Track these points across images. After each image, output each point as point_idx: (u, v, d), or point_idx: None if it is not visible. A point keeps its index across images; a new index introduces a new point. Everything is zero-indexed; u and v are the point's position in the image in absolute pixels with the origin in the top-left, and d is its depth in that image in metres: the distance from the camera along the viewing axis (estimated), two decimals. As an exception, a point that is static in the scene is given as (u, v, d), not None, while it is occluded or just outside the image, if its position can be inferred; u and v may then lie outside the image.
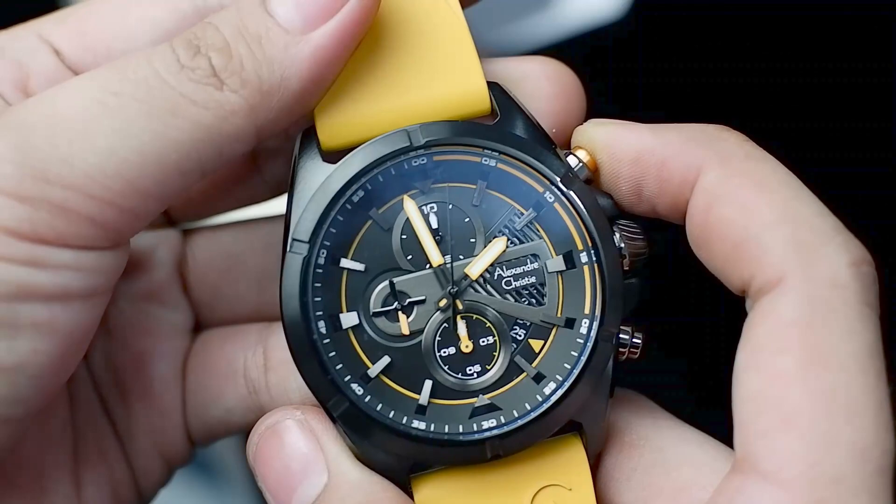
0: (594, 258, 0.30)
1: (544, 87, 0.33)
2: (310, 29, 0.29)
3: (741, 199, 0.28)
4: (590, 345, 0.29)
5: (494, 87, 0.31)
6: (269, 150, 0.36)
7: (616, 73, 0.70)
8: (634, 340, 0.30)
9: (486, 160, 0.30)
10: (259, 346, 0.36)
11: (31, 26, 0.33)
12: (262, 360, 0.36)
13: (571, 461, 0.30)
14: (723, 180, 0.28)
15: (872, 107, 0.65)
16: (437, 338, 0.31)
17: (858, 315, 0.26)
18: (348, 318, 0.31)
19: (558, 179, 0.30)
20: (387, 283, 0.30)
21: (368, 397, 0.30)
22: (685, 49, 0.69)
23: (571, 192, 0.30)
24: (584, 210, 0.29)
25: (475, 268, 0.30)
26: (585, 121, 0.33)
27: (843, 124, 0.64)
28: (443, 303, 0.30)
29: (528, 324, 0.30)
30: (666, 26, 0.71)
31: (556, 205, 0.30)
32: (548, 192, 0.30)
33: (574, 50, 0.71)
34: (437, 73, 0.30)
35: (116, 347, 0.37)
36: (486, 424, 0.30)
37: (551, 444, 0.30)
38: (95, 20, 0.33)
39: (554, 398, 0.29)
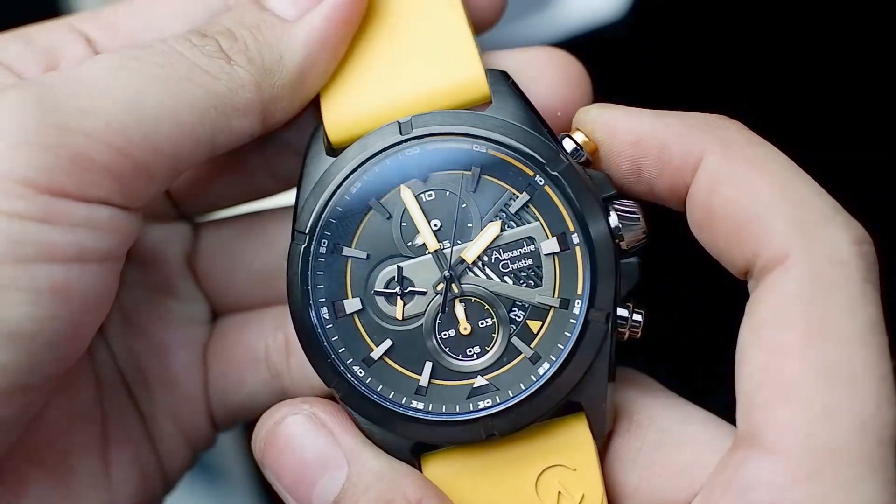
0: (583, 239, 0.30)
1: (548, 75, 0.34)
2: (302, 15, 0.31)
3: (744, 181, 0.28)
4: (580, 325, 0.29)
5: (494, 75, 0.31)
6: (277, 145, 0.37)
7: (616, 73, 0.70)
8: (634, 319, 0.30)
9: (476, 147, 0.31)
10: (279, 332, 0.37)
11: (63, 20, 0.35)
12: (283, 345, 0.37)
13: (576, 442, 0.30)
14: (725, 163, 0.29)
15: (875, 99, 0.65)
16: (438, 321, 0.31)
17: (861, 291, 0.27)
18: (352, 304, 0.32)
19: (545, 163, 0.30)
20: (394, 267, 0.31)
21: (370, 379, 0.31)
22: (685, 49, 0.69)
23: (558, 175, 0.30)
24: (570, 192, 0.30)
25: (471, 252, 0.31)
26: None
27: (845, 119, 0.64)
28: (440, 286, 0.31)
29: (527, 305, 0.31)
30: (666, 26, 0.71)
31: (547, 187, 0.30)
32: (538, 175, 0.30)
33: (574, 50, 0.71)
34: (436, 65, 0.32)
35: (136, 337, 0.37)
36: (481, 404, 0.30)
37: (556, 424, 0.31)
38: (127, 14, 0.34)
39: (545, 378, 0.30)
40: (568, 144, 0.31)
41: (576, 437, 0.30)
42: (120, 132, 0.28)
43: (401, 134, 0.31)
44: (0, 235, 0.27)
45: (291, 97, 0.31)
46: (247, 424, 0.39)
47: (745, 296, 0.29)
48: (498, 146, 0.30)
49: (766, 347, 0.27)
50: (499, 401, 0.30)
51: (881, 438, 0.26)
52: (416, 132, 0.31)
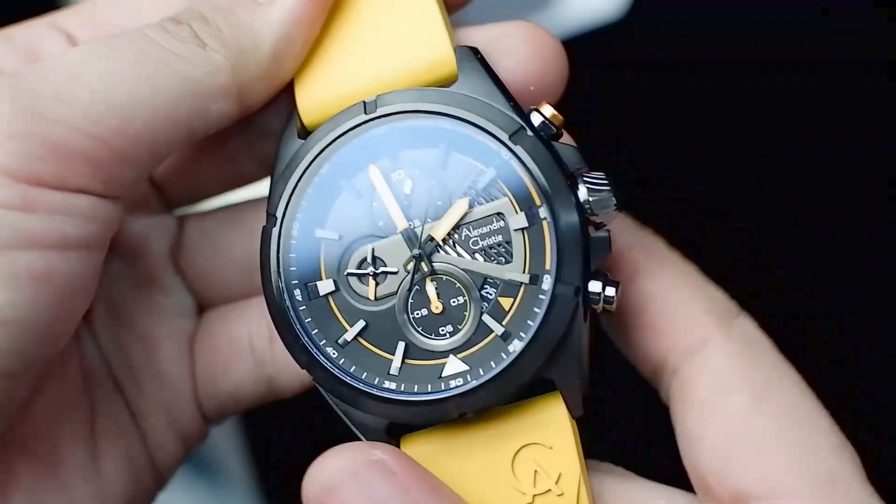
0: (550, 212, 0.30)
1: (521, 50, 0.33)
2: None
3: (662, 277, 0.31)
4: (548, 300, 0.29)
5: (462, 51, 0.31)
6: (259, 130, 0.37)
7: (616, 73, 0.70)
8: (607, 294, 0.29)
9: (442, 124, 0.31)
10: (262, 320, 0.36)
11: (43, 17, 0.35)
12: (266, 332, 0.37)
13: (551, 420, 0.30)
14: (646, 260, 0.32)
15: (869, 101, 0.65)
16: (410, 300, 0.31)
17: (780, 359, 0.30)
18: (326, 286, 0.32)
19: (506, 136, 0.30)
20: (367, 247, 0.32)
21: (343, 360, 0.32)
22: (685, 49, 0.69)
23: (520, 148, 0.29)
24: (533, 165, 0.29)
25: (440, 230, 0.31)
26: (567, 81, 0.34)
27: (839, 119, 0.65)
28: (411, 265, 0.31)
29: (498, 282, 0.31)
30: (666, 26, 0.71)
31: (512, 162, 0.30)
32: (502, 150, 0.30)
33: (574, 50, 0.71)
34: (406, 45, 0.32)
35: (123, 330, 0.37)
36: (452, 383, 0.30)
37: (532, 403, 0.31)
38: (107, 8, 0.34)
39: (515, 355, 0.30)
40: (535, 118, 0.30)
41: (551, 416, 0.30)
42: (94, 119, 0.28)
43: (366, 113, 0.31)
44: None
45: (268, 79, 0.31)
46: (246, 423, 0.39)
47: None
48: (462, 122, 0.30)
49: (721, 416, 0.28)
50: (470, 379, 0.30)
51: (854, 461, 0.28)
52: (380, 111, 0.31)
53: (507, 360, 0.30)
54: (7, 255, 0.28)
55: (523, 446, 0.30)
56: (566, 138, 0.32)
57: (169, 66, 0.29)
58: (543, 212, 0.30)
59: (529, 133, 0.30)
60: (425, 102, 0.31)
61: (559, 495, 0.30)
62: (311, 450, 0.41)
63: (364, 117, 0.31)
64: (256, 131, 0.37)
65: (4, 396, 0.29)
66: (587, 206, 0.30)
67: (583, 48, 0.71)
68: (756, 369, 0.29)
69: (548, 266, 0.30)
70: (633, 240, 0.32)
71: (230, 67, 0.30)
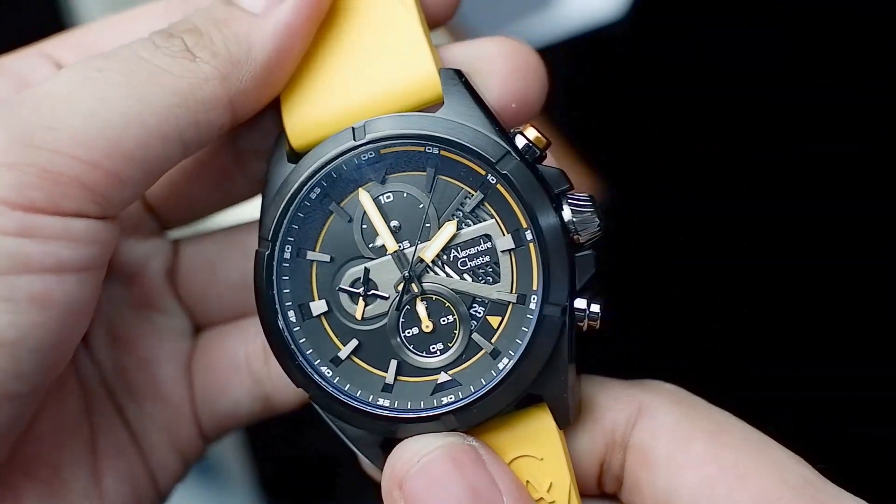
0: (535, 234, 0.30)
1: (499, 67, 0.33)
2: (270, 9, 0.31)
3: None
4: (536, 320, 0.30)
5: (447, 74, 0.32)
6: (252, 149, 0.37)
7: (616, 73, 0.70)
8: (592, 311, 0.30)
9: (429, 149, 0.31)
10: (258, 338, 0.37)
11: (34, 47, 0.35)
12: (262, 351, 0.37)
13: (541, 432, 0.31)
14: None
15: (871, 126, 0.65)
16: (402, 319, 0.32)
17: (706, 402, 0.31)
18: (318, 306, 0.33)
19: (495, 162, 0.30)
20: (360, 267, 0.32)
21: (337, 378, 0.32)
22: (685, 49, 0.69)
23: (507, 173, 0.30)
24: (519, 189, 0.30)
25: (429, 251, 0.32)
26: (546, 98, 0.34)
27: (839, 119, 0.65)
28: (401, 286, 0.32)
29: (486, 301, 0.31)
30: (666, 26, 0.71)
31: (499, 185, 0.31)
32: (489, 174, 0.31)
33: (574, 50, 0.71)
34: (391, 67, 0.32)
35: (122, 352, 0.37)
36: (444, 400, 0.31)
37: (522, 416, 0.31)
38: (95, 35, 0.35)
39: (504, 372, 0.30)
40: (519, 141, 0.31)
41: (541, 428, 0.31)
42: (85, 144, 0.29)
43: (354, 139, 0.32)
44: None
45: (260, 88, 0.32)
46: (247, 426, 0.39)
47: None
48: (449, 147, 0.31)
49: (691, 465, 0.29)
50: (461, 396, 0.31)
51: (809, 466, 0.30)
52: (368, 137, 0.31)
53: (497, 378, 0.31)
54: (6, 280, 0.28)
55: (515, 458, 0.31)
56: (550, 160, 0.33)
57: (158, 82, 0.30)
58: (529, 234, 0.31)
59: (515, 157, 0.31)
60: (413, 128, 0.31)
61: (551, 503, 0.30)
62: (312, 452, 0.41)
63: (352, 143, 0.32)
64: (248, 151, 0.37)
65: (8, 419, 0.29)
66: (571, 226, 0.30)
67: (583, 48, 0.71)
68: (698, 415, 0.30)
69: (535, 286, 0.30)
70: None
71: (220, 77, 0.30)
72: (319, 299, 0.33)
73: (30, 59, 0.35)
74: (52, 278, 0.29)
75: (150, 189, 0.34)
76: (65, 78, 0.30)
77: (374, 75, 0.32)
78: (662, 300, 0.63)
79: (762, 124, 0.66)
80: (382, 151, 0.32)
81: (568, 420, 0.31)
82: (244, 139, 0.36)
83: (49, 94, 0.29)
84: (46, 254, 0.29)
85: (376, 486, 0.33)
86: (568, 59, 0.70)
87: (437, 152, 0.31)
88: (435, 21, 0.34)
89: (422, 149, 0.31)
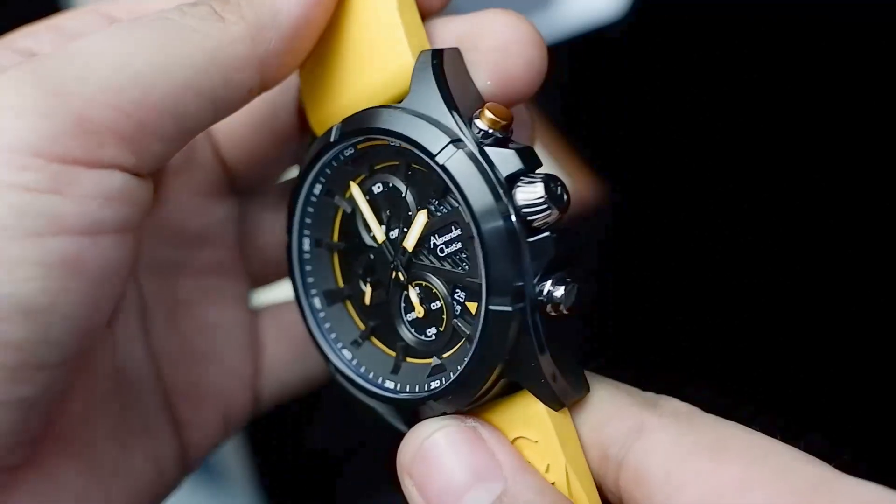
0: (475, 225, 0.29)
1: (491, 41, 0.33)
2: None
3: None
4: (482, 312, 0.29)
5: (424, 58, 0.31)
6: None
7: (616, 73, 0.70)
8: (555, 297, 0.29)
9: (391, 142, 0.31)
10: None
11: (90, 6, 0.35)
12: None
13: (532, 416, 0.30)
14: None
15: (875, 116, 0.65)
16: (402, 304, 0.32)
17: (712, 416, 0.30)
18: (343, 291, 0.34)
19: (433, 154, 0.30)
20: (366, 255, 0.33)
21: (356, 360, 0.33)
22: (685, 49, 0.69)
23: (444, 165, 0.30)
24: (455, 180, 0.29)
25: (409, 241, 0.32)
26: (546, 70, 0.33)
27: (841, 115, 0.65)
28: (393, 275, 0.32)
29: (465, 287, 0.31)
30: (665, 27, 0.71)
31: (444, 175, 0.30)
32: (434, 167, 0.30)
33: (574, 50, 0.71)
34: (376, 61, 0.32)
35: (183, 317, 0.37)
36: (433, 384, 0.31)
37: (518, 398, 0.31)
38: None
39: (467, 362, 0.30)
40: (476, 126, 0.30)
41: (531, 412, 0.30)
42: (117, 92, 0.29)
43: (332, 137, 0.32)
44: (9, 209, 0.27)
45: (287, 53, 0.32)
46: (247, 425, 0.39)
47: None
48: (400, 140, 0.31)
49: (691, 483, 0.28)
50: (443, 382, 0.31)
51: (826, 465, 0.29)
52: (344, 132, 0.32)
53: (463, 367, 0.30)
54: (39, 242, 0.27)
55: (514, 440, 0.31)
56: (522, 136, 0.32)
57: (187, 39, 0.30)
58: (472, 225, 0.30)
59: (460, 145, 0.30)
60: (371, 123, 0.31)
61: (551, 484, 0.30)
62: (312, 452, 0.41)
63: (331, 139, 0.32)
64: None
65: (39, 390, 0.29)
66: (523, 210, 0.29)
67: (583, 48, 0.71)
68: (699, 432, 0.29)
69: (482, 277, 0.30)
70: None
71: (249, 38, 0.31)
72: (344, 285, 0.34)
73: (84, 18, 0.35)
74: (85, 240, 0.28)
75: (224, 150, 0.35)
76: (94, 35, 0.30)
77: (363, 70, 0.33)
78: (663, 300, 0.63)
79: (762, 124, 0.66)
80: (359, 147, 0.32)
81: (559, 404, 0.30)
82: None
83: (79, 49, 0.29)
84: (80, 214, 0.28)
85: (376, 485, 0.33)
86: (568, 59, 0.70)
87: (397, 144, 0.31)
88: (428, 10, 0.34)
89: (386, 142, 0.31)
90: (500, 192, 0.29)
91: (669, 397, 0.31)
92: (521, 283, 0.29)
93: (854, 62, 0.66)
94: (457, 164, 0.30)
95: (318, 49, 0.33)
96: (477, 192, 0.29)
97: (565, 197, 0.29)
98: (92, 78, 0.29)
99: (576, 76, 0.70)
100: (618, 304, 0.63)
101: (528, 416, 0.30)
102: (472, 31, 0.33)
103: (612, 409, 0.31)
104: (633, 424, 0.30)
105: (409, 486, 0.30)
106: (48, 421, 0.31)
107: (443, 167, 0.30)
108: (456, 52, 0.32)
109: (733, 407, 0.32)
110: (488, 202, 0.29)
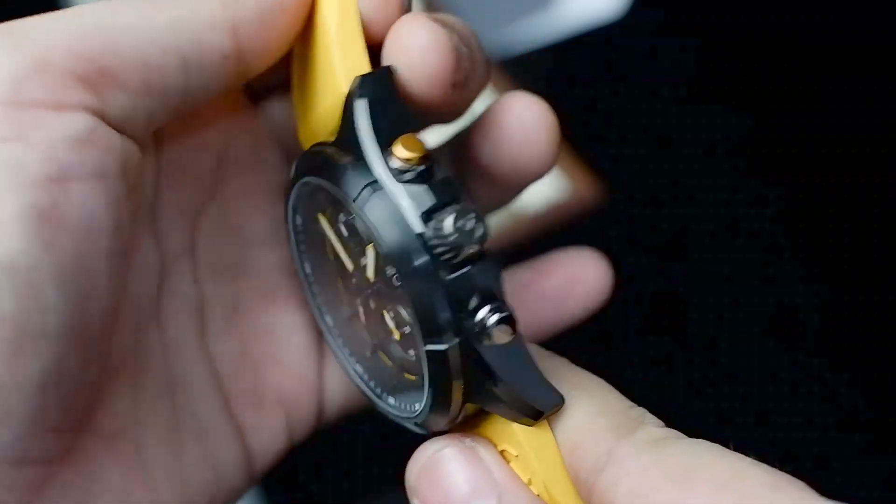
0: (395, 269, 0.29)
1: (511, 121, 0.34)
2: None
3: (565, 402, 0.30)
4: (423, 350, 0.29)
5: (352, 87, 0.31)
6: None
7: (616, 74, 0.70)
8: (488, 326, 0.28)
9: (323, 184, 0.31)
10: None
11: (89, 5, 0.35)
12: None
13: (509, 433, 0.30)
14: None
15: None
16: (384, 326, 0.32)
17: (693, 442, 0.28)
18: (345, 310, 0.34)
19: (352, 199, 0.29)
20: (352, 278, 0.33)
21: (367, 375, 0.33)
22: (684, 49, 0.69)
23: (361, 210, 0.29)
24: (369, 226, 0.29)
25: (368, 272, 0.31)
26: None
27: (842, 115, 0.65)
28: (368, 301, 0.32)
29: None
30: (665, 26, 0.71)
31: (363, 220, 0.29)
32: (354, 211, 0.29)
33: (574, 50, 0.71)
34: (327, 88, 0.32)
35: (243, 317, 0.36)
36: (415, 406, 0.31)
37: (494, 415, 0.31)
38: None
39: (426, 396, 0.30)
40: (393, 163, 0.29)
41: (508, 428, 0.30)
42: (79, 40, 0.28)
43: (291, 173, 0.32)
44: None
45: (263, 21, 0.31)
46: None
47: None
48: (328, 184, 0.30)
49: None
50: (417, 407, 0.31)
51: (808, 489, 0.27)
52: (296, 170, 0.32)
53: (424, 399, 0.30)
54: (8, 197, 0.26)
55: (501, 452, 0.31)
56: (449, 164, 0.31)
57: (156, 4, 0.30)
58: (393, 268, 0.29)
59: (378, 186, 0.29)
60: (306, 165, 0.31)
61: (536, 496, 0.30)
62: (312, 452, 0.41)
63: (291, 175, 0.32)
64: None
65: (48, 365, 0.27)
66: (436, 250, 0.28)
67: (583, 48, 0.71)
68: (668, 458, 0.28)
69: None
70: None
71: (220, 1, 0.30)
72: (350, 306, 0.33)
73: None
74: (56, 189, 0.27)
75: (290, 151, 0.35)
76: (67, 8, 0.30)
77: (319, 94, 0.32)
78: (662, 300, 0.63)
79: (762, 125, 0.66)
80: (313, 183, 0.31)
81: (528, 421, 0.30)
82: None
83: (49, 14, 0.29)
84: (47, 160, 0.27)
85: (377, 486, 0.33)
86: (568, 59, 0.70)
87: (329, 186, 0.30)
88: (374, 33, 0.33)
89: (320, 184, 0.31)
90: (414, 233, 0.28)
91: (654, 419, 0.30)
92: (450, 321, 0.28)
93: (853, 62, 0.66)
94: (372, 208, 0.29)
95: (296, 65, 0.33)
96: (390, 236, 0.28)
97: (478, 231, 0.28)
98: (55, 29, 0.28)
99: (575, 76, 0.70)
100: (617, 305, 0.63)
101: (506, 431, 0.30)
102: (496, 108, 0.33)
103: (583, 434, 0.30)
104: (603, 451, 0.29)
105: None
106: (76, 409, 0.30)
107: (361, 212, 0.29)
108: (385, 73, 0.31)
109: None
110: (403, 245, 0.28)
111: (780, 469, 0.27)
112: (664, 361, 0.60)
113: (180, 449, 0.34)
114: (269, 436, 0.36)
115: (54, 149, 0.27)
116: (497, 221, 0.41)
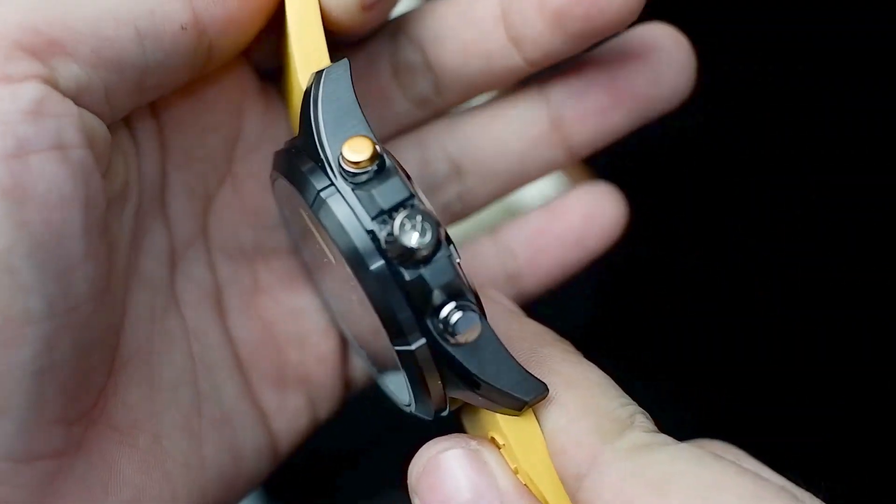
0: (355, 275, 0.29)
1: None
2: None
3: (552, 399, 0.30)
4: (398, 350, 0.29)
5: (309, 85, 0.30)
6: (408, 64, 0.36)
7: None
8: (451, 325, 0.28)
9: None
10: None
11: None
12: None
13: (494, 423, 0.30)
14: (539, 375, 0.30)
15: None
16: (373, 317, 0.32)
17: (681, 447, 0.28)
18: (344, 297, 0.34)
19: (309, 205, 0.29)
20: None
21: (370, 359, 0.34)
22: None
23: (318, 216, 0.29)
24: (326, 230, 0.28)
25: (347, 269, 0.31)
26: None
27: (843, 117, 0.65)
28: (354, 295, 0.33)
29: None
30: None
31: (321, 224, 0.29)
32: (313, 215, 0.29)
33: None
34: (293, 85, 0.32)
35: (262, 299, 0.36)
36: (406, 396, 0.32)
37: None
38: None
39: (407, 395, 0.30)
40: (343, 166, 0.28)
41: (493, 418, 0.30)
42: (26, 13, 0.27)
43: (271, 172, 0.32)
44: None
45: (228, 9, 0.30)
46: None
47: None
48: (291, 185, 0.30)
49: None
50: (408, 396, 0.32)
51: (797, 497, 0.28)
52: (272, 169, 0.32)
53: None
54: None
55: (491, 439, 0.31)
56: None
57: None
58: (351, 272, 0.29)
59: (332, 190, 0.28)
60: (274, 164, 0.31)
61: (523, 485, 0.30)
62: (312, 452, 0.41)
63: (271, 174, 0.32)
64: (405, 65, 0.36)
65: (39, 350, 0.26)
66: (388, 253, 0.28)
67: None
68: (649, 466, 0.27)
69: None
70: (530, 345, 0.31)
71: None
72: (344, 294, 0.34)
73: None
74: (16, 163, 0.26)
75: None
76: None
77: (290, 90, 0.32)
78: (663, 301, 0.63)
79: (762, 124, 0.66)
80: (282, 183, 0.31)
81: (512, 411, 0.29)
82: (404, 50, 0.35)
83: None
84: (3, 135, 0.26)
85: (377, 486, 0.33)
86: (567, 59, 0.70)
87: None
88: (337, 29, 0.33)
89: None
90: (367, 237, 0.28)
91: (643, 420, 0.29)
92: (412, 322, 0.28)
93: (854, 63, 0.66)
94: (326, 214, 0.28)
95: (283, 53, 0.32)
96: (345, 242, 0.28)
97: (429, 229, 0.27)
98: (3, 3, 0.27)
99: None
100: (618, 304, 0.63)
101: (492, 419, 0.30)
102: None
103: (567, 438, 0.29)
104: (587, 457, 0.29)
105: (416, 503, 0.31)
106: (79, 399, 0.29)
107: (317, 218, 0.29)
108: (341, 68, 0.30)
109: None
110: (357, 249, 0.28)
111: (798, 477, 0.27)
112: (663, 361, 0.60)
113: (199, 438, 0.34)
114: (293, 418, 0.36)
115: (8, 122, 0.26)
116: (496, 220, 0.41)
